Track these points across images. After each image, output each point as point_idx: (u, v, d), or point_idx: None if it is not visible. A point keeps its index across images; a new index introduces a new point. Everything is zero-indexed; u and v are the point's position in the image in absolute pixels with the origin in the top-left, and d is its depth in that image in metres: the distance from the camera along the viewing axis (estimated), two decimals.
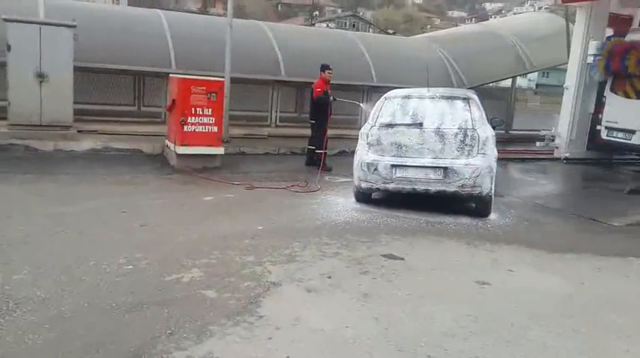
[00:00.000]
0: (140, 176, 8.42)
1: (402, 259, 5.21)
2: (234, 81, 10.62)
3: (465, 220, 6.91)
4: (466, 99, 7.29)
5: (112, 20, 11.55)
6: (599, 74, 11.61)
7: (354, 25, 64.76)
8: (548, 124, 14.07)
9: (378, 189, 7.27)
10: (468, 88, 12.99)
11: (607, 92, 11.77)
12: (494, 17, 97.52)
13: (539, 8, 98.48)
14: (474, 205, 7.34)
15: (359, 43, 13.25)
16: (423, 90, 7.60)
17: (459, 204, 7.44)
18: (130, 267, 4.58)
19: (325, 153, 9.96)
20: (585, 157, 12.44)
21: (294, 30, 14.91)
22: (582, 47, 12.03)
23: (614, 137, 11.59)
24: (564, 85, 12.61)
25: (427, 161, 6.98)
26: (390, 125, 7.21)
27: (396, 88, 13.03)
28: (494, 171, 7.06)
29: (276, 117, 12.37)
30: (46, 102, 9.46)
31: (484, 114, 7.28)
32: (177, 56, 11.03)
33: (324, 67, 10.09)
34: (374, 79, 12.62)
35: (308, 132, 12.03)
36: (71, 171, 8.30)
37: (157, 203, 6.93)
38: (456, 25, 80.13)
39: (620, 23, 12.52)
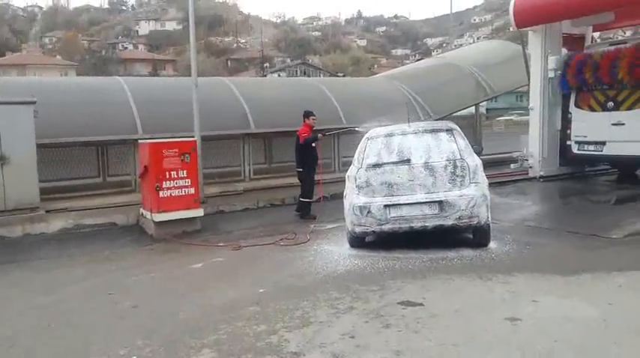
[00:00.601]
0: (119, 251, 7.94)
1: (421, 305, 4.91)
2: (204, 139, 10.33)
3: (466, 252, 6.70)
4: (449, 131, 7.20)
5: (72, 92, 11.18)
6: (567, 86, 11.81)
7: (304, 72, 65.83)
8: (516, 146, 14.23)
9: (373, 232, 7.00)
10: (435, 120, 13.10)
11: (572, 108, 11.96)
12: (437, 51, 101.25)
13: (478, 38, 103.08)
14: (471, 236, 7.15)
15: (324, 89, 13.23)
16: (404, 126, 7.50)
17: (455, 236, 7.24)
18: (134, 357, 4.13)
19: (310, 201, 9.73)
20: (559, 173, 12.54)
21: (258, 82, 14.86)
22: (542, 66, 12.28)
23: (585, 150, 11.73)
24: (529, 106, 12.80)
25: (421, 197, 6.78)
26: (377, 165, 7.02)
27: (367, 127, 13.24)
28: (489, 198, 6.93)
29: (249, 170, 12.07)
30: (8, 186, 8.91)
31: (468, 144, 7.19)
32: (143, 121, 10.68)
33: (308, 114, 9.96)
34: (343, 122, 12.53)
35: (283, 181, 11.86)
36: (45, 256, 7.75)
37: (143, 278, 6.46)
38: (402, 63, 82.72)
39: (573, 42, 12.89)
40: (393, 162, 6.97)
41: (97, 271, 6.88)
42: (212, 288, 5.90)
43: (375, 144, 7.26)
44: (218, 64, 78.07)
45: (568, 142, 12.09)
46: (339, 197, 11.31)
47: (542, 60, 12.32)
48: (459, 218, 6.68)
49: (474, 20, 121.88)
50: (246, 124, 11.71)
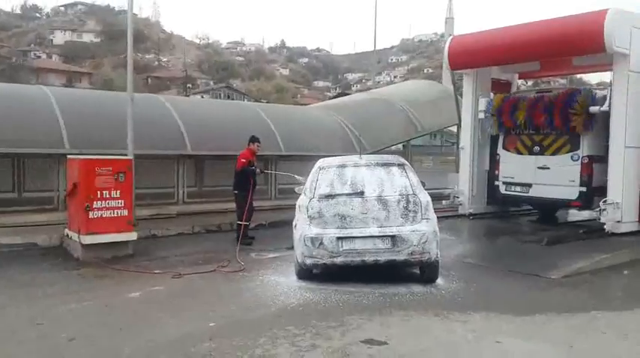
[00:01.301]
0: (42, 275, 7.23)
1: (386, 343, 4.77)
2: (137, 157, 9.71)
3: (416, 288, 6.68)
4: (401, 166, 7.23)
5: None
6: (492, 129, 12.33)
7: (228, 96, 65.31)
8: (444, 183, 14.67)
9: (324, 265, 6.80)
10: (369, 153, 13.25)
11: (500, 150, 12.49)
12: (356, 86, 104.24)
13: (395, 77, 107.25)
14: (418, 271, 7.16)
15: (261, 113, 13.02)
16: (355, 158, 7.46)
17: (402, 270, 7.21)
18: None
19: (246, 225, 9.42)
20: (487, 211, 13.00)
21: (194, 102, 14.35)
22: (472, 107, 12.77)
23: (512, 191, 12.24)
24: (460, 146, 13.26)
25: (374, 230, 6.70)
26: (330, 196, 6.88)
27: (305, 156, 13.12)
28: (439, 235, 6.96)
29: (183, 193, 11.54)
30: None
31: (419, 180, 7.25)
32: (71, 135, 9.93)
33: (255, 139, 9.78)
34: (282, 149, 12.37)
35: (218, 206, 11.44)
36: None
37: (76, 308, 5.86)
38: (323, 94, 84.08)
39: (501, 87, 13.57)
40: (347, 194, 6.86)
41: (19, 297, 6.20)
42: (155, 321, 5.45)
43: (327, 174, 7.13)
44: (138, 80, 75.61)
45: (496, 183, 12.57)
46: (277, 225, 11.23)
47: (473, 102, 12.82)
48: (411, 253, 6.65)
49: (392, 59, 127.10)
50: (183, 145, 11.24)
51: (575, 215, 13.52)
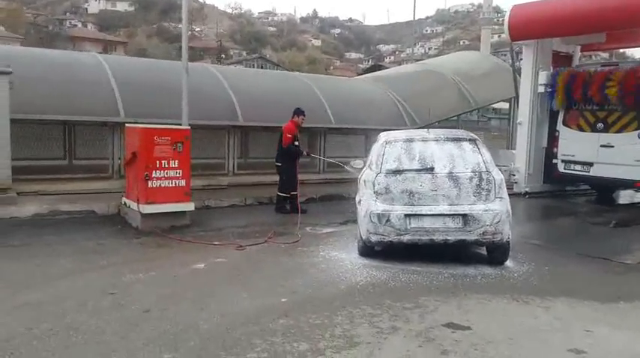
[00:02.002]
0: (104, 243, 7.21)
1: (470, 329, 4.54)
2: (191, 127, 9.64)
3: (487, 270, 6.42)
4: (473, 141, 6.90)
5: (48, 65, 10.20)
6: (555, 103, 11.79)
7: (261, 67, 64.94)
8: (495, 159, 14.21)
9: (390, 242, 6.57)
10: (419, 127, 12.88)
11: (560, 126, 11.98)
12: (389, 58, 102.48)
13: (429, 49, 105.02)
14: (482, 251, 6.90)
15: (312, 85, 12.73)
16: (423, 132, 7.17)
17: (464, 250, 6.96)
18: None
19: (297, 195, 9.34)
20: (543, 190, 12.58)
21: (244, 73, 14.16)
22: (532, 81, 12.27)
23: (571, 170, 11.77)
24: (518, 121, 12.78)
25: (444, 208, 6.43)
26: (397, 171, 6.62)
27: (356, 129, 12.87)
28: (511, 215, 6.65)
29: (233, 164, 11.42)
30: None
31: (491, 156, 6.91)
32: (126, 104, 9.86)
33: (300, 112, 9.58)
34: (332, 121, 12.11)
35: (267, 178, 11.30)
36: (18, 243, 6.97)
37: (143, 277, 5.80)
38: (355, 66, 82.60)
39: (561, 60, 12.97)
40: (415, 170, 6.59)
41: (87, 265, 6.17)
42: (225, 294, 5.34)
43: (394, 148, 6.84)
44: (171, 50, 75.94)
45: (554, 160, 12.11)
46: (327, 199, 11.07)
47: (533, 75, 12.30)
48: (483, 233, 6.38)
49: (427, 30, 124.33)
50: (234, 116, 11.07)
51: (630, 196, 13.03)
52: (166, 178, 8.07)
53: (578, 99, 11.38)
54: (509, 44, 13.33)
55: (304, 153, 9.76)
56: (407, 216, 6.44)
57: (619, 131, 10.94)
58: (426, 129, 7.15)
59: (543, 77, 12.05)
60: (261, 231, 8.25)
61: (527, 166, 12.37)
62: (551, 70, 12.36)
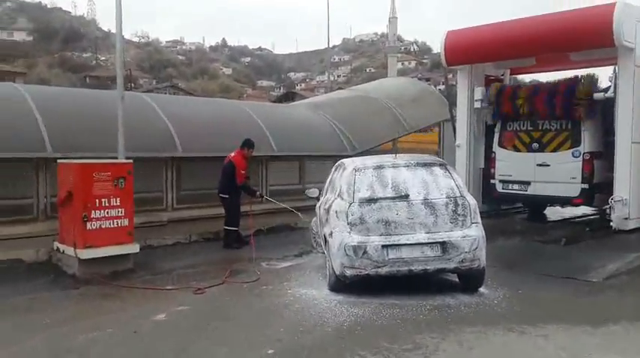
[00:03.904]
0: (40, 297, 6.30)
1: None
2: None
3: (465, 298, 6.21)
4: (443, 166, 6.73)
5: None
6: (489, 117, 12.10)
7: (174, 95, 63.17)
8: None
9: (367, 276, 6.18)
10: (359, 153, 12.71)
11: (496, 148, 12.21)
12: (300, 85, 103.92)
13: (338, 76, 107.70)
14: (456, 278, 6.69)
15: (251, 113, 12.20)
16: (391, 158, 6.92)
17: (432, 278, 6.69)
18: None
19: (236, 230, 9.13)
20: (482, 211, 12.65)
21: (181, 101, 13.35)
22: (468, 105, 12.46)
23: (509, 189, 11.97)
24: (456, 144, 12.90)
25: (422, 237, 6.15)
26: (372, 200, 6.28)
27: (301, 156, 12.46)
28: (485, 241, 6.48)
29: (172, 198, 10.58)
30: None
31: (463, 180, 6.77)
32: (52, 137, 8.83)
33: (250, 145, 9.20)
34: (274, 149, 11.62)
35: (208, 212, 10.63)
36: None
37: (99, 336, 5.02)
38: (268, 94, 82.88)
39: (492, 83, 13.32)
40: (390, 198, 6.28)
41: (26, 326, 5.29)
42: (202, 350, 4.72)
43: (365, 176, 6.52)
44: (75, 80, 72.43)
45: (492, 181, 12.31)
46: (274, 231, 10.52)
47: (468, 97, 12.50)
48: (462, 261, 6.15)
49: (334, 59, 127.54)
50: (172, 146, 10.31)
51: (559, 213, 13.49)
52: (107, 218, 7.26)
53: (510, 111, 11.68)
54: (443, 69, 13.55)
55: (258, 194, 9.39)
56: (384, 246, 6.09)
57: (554, 150, 11.26)
58: (393, 155, 6.91)
59: (479, 92, 12.28)
60: (215, 270, 7.62)
61: (467, 187, 12.45)
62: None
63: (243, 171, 9.11)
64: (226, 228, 9.23)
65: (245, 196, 9.42)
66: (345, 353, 4.55)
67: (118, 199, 7.34)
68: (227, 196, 9.21)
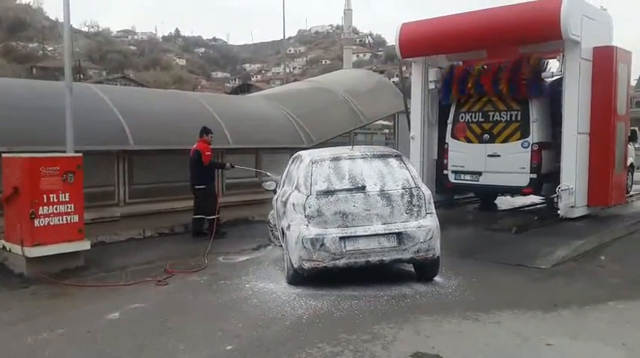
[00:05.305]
0: None
1: (440, 356, 4.31)
2: None
3: (420, 288, 6.31)
4: (398, 157, 6.81)
5: None
6: (444, 98, 12.26)
7: (125, 86, 61.61)
8: None
9: (325, 268, 6.20)
10: (315, 145, 12.73)
11: (448, 139, 12.43)
12: (256, 77, 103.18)
13: (294, 68, 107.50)
14: (411, 268, 6.79)
15: (205, 104, 12.01)
16: (347, 150, 6.93)
17: (387, 269, 6.75)
18: None
19: (218, 218, 9.14)
20: (436, 201, 12.89)
21: (132, 92, 12.96)
22: (421, 96, 12.61)
23: (462, 180, 12.22)
24: (410, 136, 13.06)
25: (378, 228, 6.21)
26: (329, 192, 6.29)
27: (257, 149, 12.37)
28: (440, 230, 6.60)
29: (124, 192, 10.31)
30: None
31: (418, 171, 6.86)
32: None
33: (208, 131, 9.23)
34: (230, 142, 11.49)
35: (163, 206, 10.46)
36: None
37: (50, 337, 4.85)
38: (223, 85, 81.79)
39: None
40: (347, 189, 6.31)
41: None
42: (158, 348, 4.62)
43: (322, 168, 6.52)
44: (21, 71, 69.58)
45: (445, 171, 12.53)
46: (231, 224, 10.41)
47: (422, 89, 12.66)
48: (417, 251, 6.24)
49: (290, 51, 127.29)
50: (124, 139, 10.03)
51: (509, 202, 13.87)
52: (56, 214, 7.01)
53: (458, 93, 11.88)
54: (398, 61, 13.67)
55: (228, 165, 9.49)
56: (342, 238, 6.12)
57: (504, 141, 11.54)
58: (349, 147, 6.93)
59: (432, 74, 12.42)
60: (171, 266, 7.45)
61: (421, 178, 12.63)
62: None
63: (208, 153, 9.23)
64: (202, 216, 9.30)
65: None
66: (305, 346, 4.54)
67: (67, 195, 7.10)
68: (204, 186, 9.28)
